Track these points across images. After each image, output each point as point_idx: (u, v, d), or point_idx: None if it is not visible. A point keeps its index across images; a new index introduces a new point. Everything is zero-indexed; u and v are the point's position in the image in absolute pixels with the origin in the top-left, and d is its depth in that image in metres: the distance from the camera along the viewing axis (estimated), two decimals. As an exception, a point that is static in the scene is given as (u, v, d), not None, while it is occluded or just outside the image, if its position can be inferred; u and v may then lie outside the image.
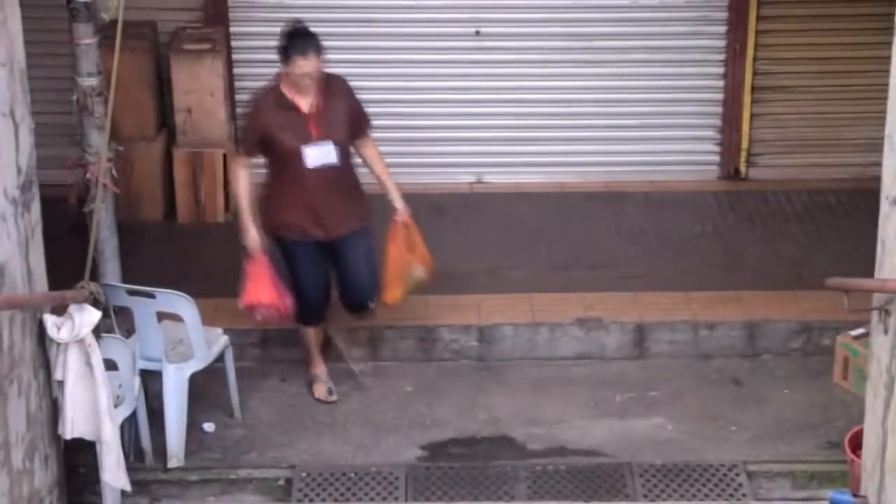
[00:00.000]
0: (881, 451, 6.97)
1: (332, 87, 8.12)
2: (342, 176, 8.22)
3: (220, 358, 8.42)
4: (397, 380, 8.71)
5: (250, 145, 8.17)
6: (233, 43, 10.64)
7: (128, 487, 7.42)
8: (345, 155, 8.18)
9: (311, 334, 8.66)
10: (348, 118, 8.11)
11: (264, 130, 7.99)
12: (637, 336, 9.20)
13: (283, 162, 8.12)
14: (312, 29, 7.91)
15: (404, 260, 8.42)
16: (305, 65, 7.73)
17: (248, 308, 8.19)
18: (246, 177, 8.31)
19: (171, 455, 8.07)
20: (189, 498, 7.84)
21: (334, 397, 8.63)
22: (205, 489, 7.93)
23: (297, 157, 7.92)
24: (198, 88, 10.33)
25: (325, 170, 8.05)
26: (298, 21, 7.96)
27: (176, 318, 8.22)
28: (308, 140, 7.89)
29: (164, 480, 7.98)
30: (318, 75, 7.89)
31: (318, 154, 7.87)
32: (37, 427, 6.89)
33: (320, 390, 8.65)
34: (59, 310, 7.08)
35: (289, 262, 8.24)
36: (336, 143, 7.98)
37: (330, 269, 8.56)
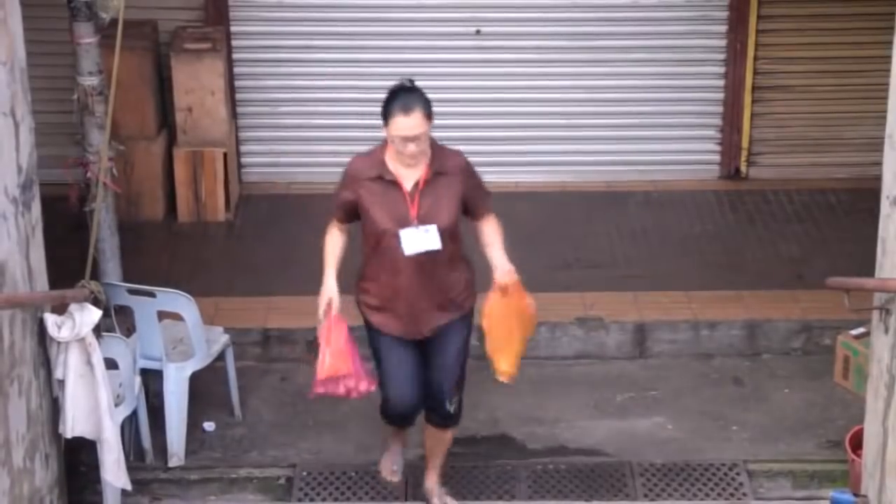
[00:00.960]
0: (882, 450, 7.01)
1: (444, 162, 6.58)
2: (444, 262, 6.77)
3: (221, 357, 8.45)
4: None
5: (340, 212, 6.76)
6: (233, 42, 10.68)
7: (128, 486, 7.45)
8: (450, 239, 6.68)
9: (393, 433, 7.41)
10: (458, 198, 6.62)
11: (357, 201, 6.58)
12: (637, 335, 9.26)
13: (374, 240, 6.69)
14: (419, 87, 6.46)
15: (508, 328, 6.73)
16: (407, 125, 6.25)
17: (324, 381, 6.73)
18: (335, 234, 6.91)
19: (172, 454, 8.10)
20: (190, 497, 7.88)
21: (396, 478, 7.54)
22: (205, 488, 7.98)
23: (392, 240, 6.49)
24: (198, 88, 10.34)
25: (422, 257, 6.61)
26: (409, 79, 6.50)
27: (176, 317, 8.27)
28: (406, 223, 6.43)
29: (164, 479, 8.02)
30: (424, 143, 6.39)
31: (418, 240, 6.40)
32: (37, 426, 6.93)
33: (386, 465, 7.50)
34: (60, 309, 7.11)
35: (374, 353, 6.87)
36: (440, 228, 6.49)
37: (421, 367, 7.04)
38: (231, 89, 10.65)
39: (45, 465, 7.08)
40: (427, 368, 6.87)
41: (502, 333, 6.70)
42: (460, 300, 6.93)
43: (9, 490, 6.37)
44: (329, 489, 7.91)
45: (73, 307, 7.09)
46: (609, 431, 8.37)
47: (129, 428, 7.88)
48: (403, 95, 6.40)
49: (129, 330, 8.16)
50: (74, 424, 7.14)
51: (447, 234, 6.53)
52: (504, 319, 6.67)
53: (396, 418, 6.91)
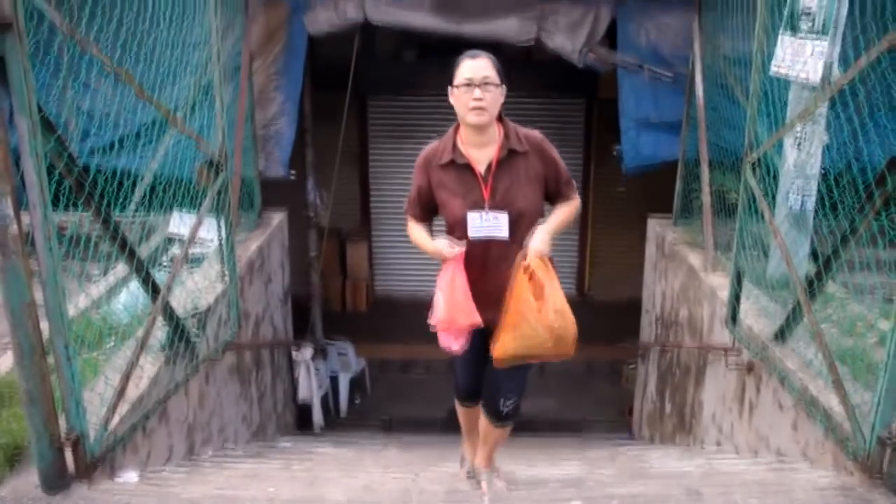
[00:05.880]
0: (640, 414, 7.22)
1: (518, 139, 3.03)
2: (514, 254, 3.01)
3: (363, 371, 8.67)
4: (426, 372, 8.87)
5: (417, 207, 3.19)
6: (372, 236, 10.69)
7: (322, 424, 7.72)
8: (523, 228, 3.04)
9: (463, 413, 3.71)
10: (538, 181, 3.07)
11: (430, 189, 3.12)
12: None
13: (450, 228, 3.12)
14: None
15: (523, 311, 2.91)
16: (473, 65, 2.91)
17: (443, 328, 3.08)
18: (416, 225, 3.22)
19: (341, 412, 8.32)
20: (348, 431, 7.84)
21: (464, 476, 3.79)
22: (354, 427, 8.05)
23: (462, 224, 3.06)
24: (357, 256, 10.43)
25: (491, 244, 3.06)
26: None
27: (344, 353, 8.61)
28: (478, 206, 3.02)
29: (337, 423, 8.16)
30: (492, 98, 2.94)
31: (484, 224, 3.02)
32: (286, 396, 7.06)
33: (461, 471, 3.87)
34: (296, 346, 7.31)
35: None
36: (512, 215, 3.02)
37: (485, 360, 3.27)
38: (370, 256, 10.65)
39: (290, 413, 7.18)
40: (490, 366, 3.22)
41: (514, 317, 2.95)
42: None
43: (275, 423, 6.51)
44: (406, 427, 7.91)
45: (302, 346, 7.50)
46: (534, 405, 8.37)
47: (324, 400, 8.01)
48: (471, 50, 3.01)
49: (324, 358, 8.29)
50: (301, 396, 7.36)
51: (525, 222, 3.04)
52: (521, 304, 2.92)
53: (461, 392, 3.54)
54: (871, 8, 3.14)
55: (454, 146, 3.07)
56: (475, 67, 2.94)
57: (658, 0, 6.37)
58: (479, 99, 2.93)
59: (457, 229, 3.09)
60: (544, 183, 3.11)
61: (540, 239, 2.98)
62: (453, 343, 3.10)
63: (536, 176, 3.08)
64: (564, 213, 3.19)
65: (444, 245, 3.04)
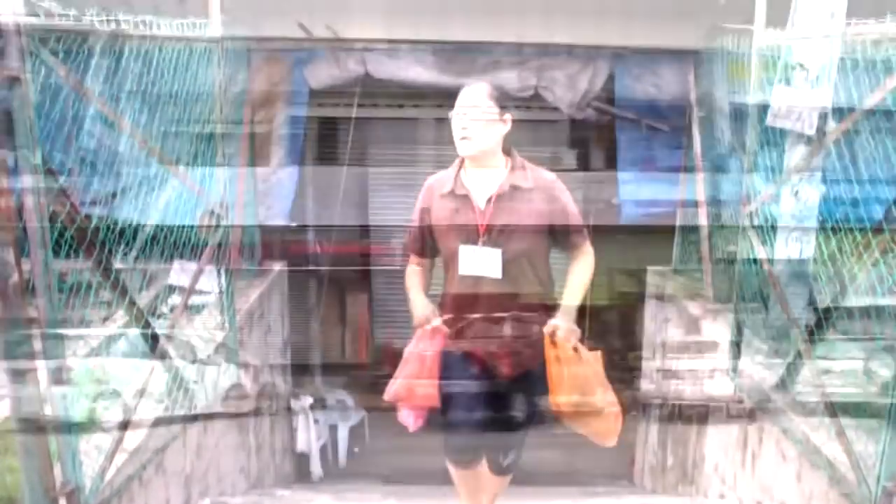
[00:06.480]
0: (642, 465, 6.98)
1: (525, 176, 2.89)
2: (512, 296, 2.91)
3: (362, 420, 8.56)
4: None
5: (416, 241, 3.08)
6: (372, 287, 10.13)
7: (321, 473, 7.55)
8: (522, 269, 2.90)
9: (459, 477, 3.54)
10: (540, 221, 2.89)
11: (429, 220, 3.00)
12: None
13: (446, 262, 3.02)
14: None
15: (559, 375, 2.95)
16: (467, 93, 2.85)
17: (401, 398, 3.25)
18: (414, 270, 3.15)
19: (340, 461, 8.13)
20: (348, 479, 7.72)
21: None
22: (354, 477, 7.86)
23: (455, 257, 2.91)
24: (356, 307, 10.30)
25: (483, 283, 2.89)
26: None
27: (343, 402, 8.49)
28: (471, 240, 2.86)
29: (336, 472, 7.97)
30: (485, 127, 2.83)
31: (477, 260, 2.84)
32: (285, 445, 7.00)
33: None
34: (295, 396, 7.24)
35: (441, 370, 3.07)
36: (507, 254, 2.84)
37: (489, 396, 3.10)
38: (370, 306, 10.24)
39: (289, 462, 7.12)
40: (491, 416, 3.10)
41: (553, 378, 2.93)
42: (531, 348, 2.97)
43: (273, 473, 6.44)
44: (405, 478, 7.54)
45: (301, 396, 7.37)
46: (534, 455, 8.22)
47: (323, 450, 7.89)
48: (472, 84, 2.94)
49: (324, 408, 8.17)
50: (300, 446, 7.28)
51: (522, 264, 2.89)
52: (554, 366, 2.89)
53: (454, 447, 3.37)
54: (862, 61, 3.19)
55: (456, 175, 2.96)
56: (469, 93, 2.88)
57: (654, 53, 6.45)
58: (464, 128, 2.86)
59: (451, 264, 2.95)
60: (549, 225, 2.94)
61: (563, 317, 2.88)
62: (409, 419, 3.02)
63: (540, 216, 2.91)
64: (580, 281, 3.01)
65: (427, 309, 2.95)
